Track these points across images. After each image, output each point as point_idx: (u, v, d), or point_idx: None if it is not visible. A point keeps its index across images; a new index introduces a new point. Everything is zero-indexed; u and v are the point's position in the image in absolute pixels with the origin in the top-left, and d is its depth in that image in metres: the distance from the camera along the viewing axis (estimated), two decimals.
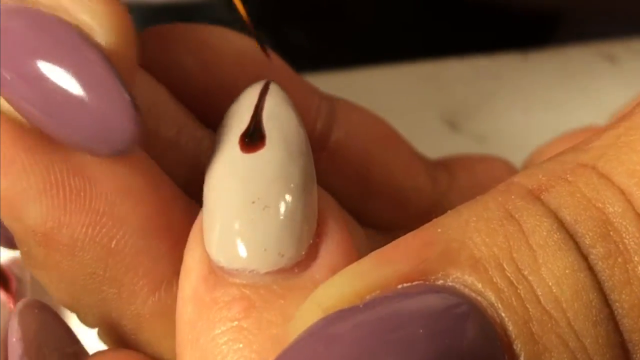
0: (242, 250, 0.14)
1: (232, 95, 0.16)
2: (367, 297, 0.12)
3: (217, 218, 0.14)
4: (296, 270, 0.14)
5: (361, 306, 0.12)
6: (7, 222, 0.15)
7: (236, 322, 0.14)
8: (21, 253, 0.16)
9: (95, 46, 0.14)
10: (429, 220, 0.20)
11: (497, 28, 0.41)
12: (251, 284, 0.14)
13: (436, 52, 0.39)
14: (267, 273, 0.14)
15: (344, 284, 0.13)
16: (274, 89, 0.16)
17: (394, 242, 0.13)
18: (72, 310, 0.16)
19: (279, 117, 0.15)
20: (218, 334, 0.14)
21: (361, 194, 0.20)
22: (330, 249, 0.15)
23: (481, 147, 0.32)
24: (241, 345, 0.13)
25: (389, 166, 0.21)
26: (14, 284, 0.25)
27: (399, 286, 0.12)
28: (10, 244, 0.16)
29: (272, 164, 0.14)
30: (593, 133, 0.14)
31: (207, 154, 0.18)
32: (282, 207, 0.14)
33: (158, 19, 0.40)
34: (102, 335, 0.17)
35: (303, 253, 0.14)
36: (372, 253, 0.13)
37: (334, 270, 0.14)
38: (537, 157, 0.23)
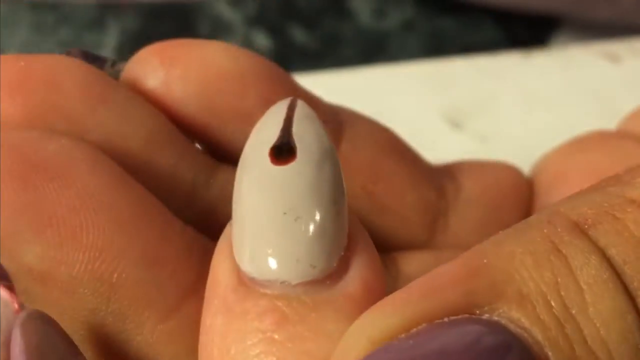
0: (274, 262, 0.14)
1: (237, 117, 0.16)
2: (414, 329, 0.12)
3: (248, 229, 0.14)
4: (328, 283, 0.14)
5: (409, 340, 0.12)
6: (2, 261, 0.15)
7: (268, 334, 0.13)
8: (17, 291, 0.16)
9: None
10: (434, 232, 0.20)
11: (498, 27, 0.40)
12: (283, 296, 0.14)
13: (438, 51, 0.39)
14: (298, 284, 0.14)
15: (391, 314, 0.12)
16: (301, 105, 0.15)
17: (439, 270, 0.13)
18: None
19: (308, 132, 0.15)
20: (250, 346, 0.13)
21: (367, 210, 0.20)
22: (360, 262, 0.14)
23: (483, 146, 0.32)
24: (274, 359, 0.13)
25: (395, 179, 0.20)
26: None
27: (445, 319, 0.12)
28: (4, 279, 0.16)
29: (303, 176, 0.14)
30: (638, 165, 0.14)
31: (205, 185, 0.18)
32: (314, 219, 0.14)
33: (158, 19, 0.40)
34: None
35: (334, 265, 0.14)
36: (418, 281, 0.13)
37: (365, 283, 0.14)
38: (547, 162, 0.23)
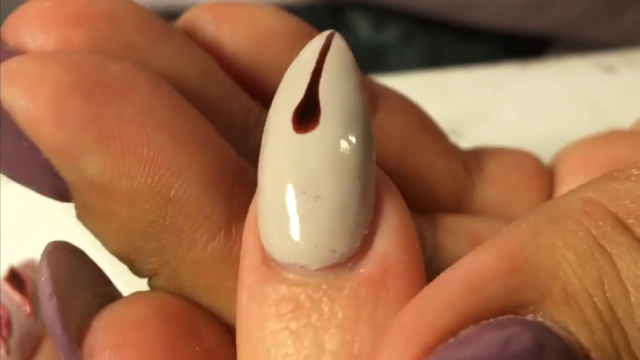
0: (292, 245, 0.13)
1: (280, 76, 0.15)
2: (462, 333, 0.12)
3: (268, 206, 0.13)
4: (349, 265, 0.13)
5: (462, 347, 0.12)
6: (63, 173, 0.15)
7: (285, 323, 0.13)
8: (76, 204, 0.16)
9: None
10: (461, 205, 0.21)
11: (496, 38, 0.41)
12: (301, 282, 0.13)
13: (435, 63, 0.39)
14: (318, 269, 0.13)
15: (437, 316, 0.12)
16: (336, 46, 0.14)
17: (477, 262, 0.12)
18: (126, 260, 0.16)
19: (338, 87, 0.14)
20: (267, 334, 0.13)
21: (398, 177, 0.19)
22: (384, 238, 0.14)
23: None
24: (289, 351, 0.13)
25: (426, 149, 0.20)
26: (29, 287, 0.25)
27: (491, 320, 0.12)
28: (60, 196, 0.16)
29: (326, 146, 0.13)
30: None
31: (256, 123, 0.18)
32: (335, 198, 0.13)
33: None
34: (156, 284, 0.17)
35: (357, 246, 0.13)
36: (457, 275, 0.12)
37: (384, 263, 0.13)
38: (569, 153, 0.22)
